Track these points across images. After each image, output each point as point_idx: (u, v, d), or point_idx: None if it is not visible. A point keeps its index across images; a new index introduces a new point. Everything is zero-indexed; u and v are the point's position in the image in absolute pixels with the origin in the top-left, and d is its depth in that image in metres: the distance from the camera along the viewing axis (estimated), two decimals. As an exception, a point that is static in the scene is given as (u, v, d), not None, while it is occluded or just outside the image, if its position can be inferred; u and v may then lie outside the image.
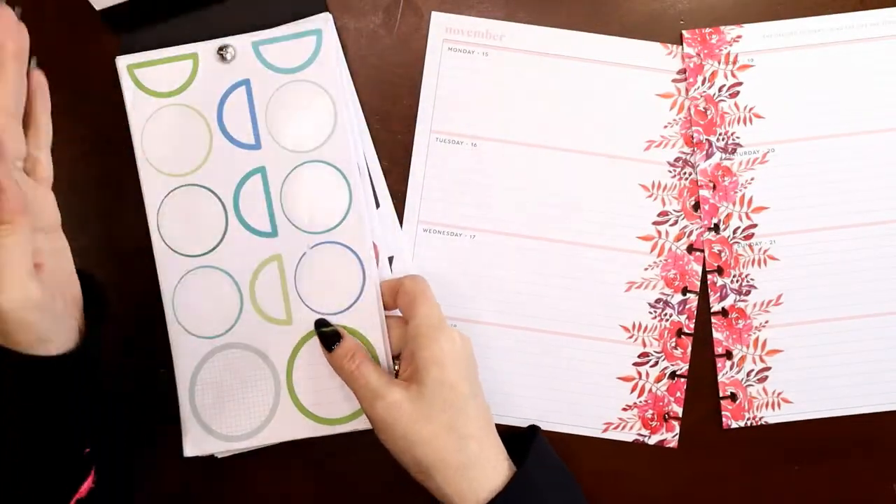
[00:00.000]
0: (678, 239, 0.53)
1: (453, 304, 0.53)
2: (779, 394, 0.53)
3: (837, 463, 0.53)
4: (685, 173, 0.53)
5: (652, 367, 0.53)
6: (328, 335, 0.49)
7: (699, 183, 0.53)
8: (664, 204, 0.53)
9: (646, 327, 0.53)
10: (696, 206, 0.53)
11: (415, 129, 0.53)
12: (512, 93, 0.53)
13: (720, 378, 0.53)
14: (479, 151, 0.53)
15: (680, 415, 0.53)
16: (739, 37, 0.53)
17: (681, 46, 0.53)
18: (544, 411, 0.53)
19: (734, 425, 0.53)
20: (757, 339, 0.53)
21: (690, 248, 0.53)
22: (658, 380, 0.53)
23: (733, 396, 0.53)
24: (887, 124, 0.53)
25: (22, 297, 0.37)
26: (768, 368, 0.53)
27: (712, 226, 0.53)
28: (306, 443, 0.51)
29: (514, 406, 0.53)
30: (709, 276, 0.53)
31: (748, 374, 0.53)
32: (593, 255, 0.53)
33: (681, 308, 0.53)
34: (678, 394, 0.53)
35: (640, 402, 0.53)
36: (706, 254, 0.53)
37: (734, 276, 0.53)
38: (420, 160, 0.53)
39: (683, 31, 0.53)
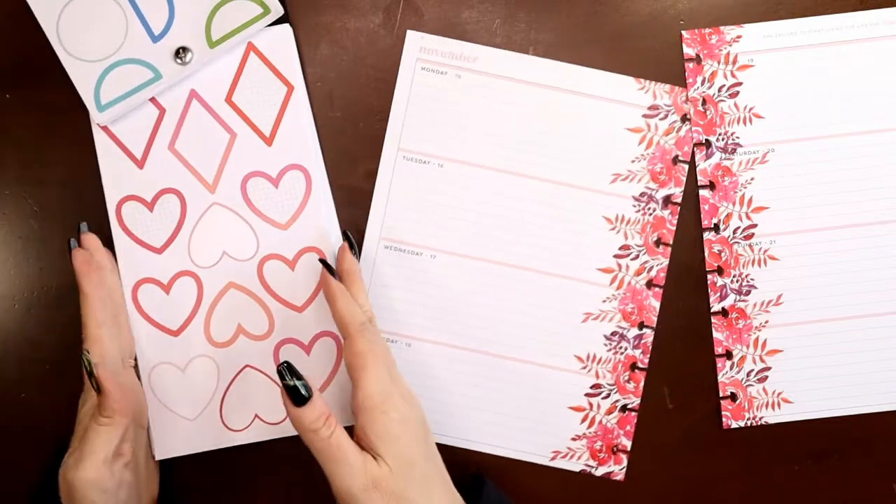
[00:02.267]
0: (638, 273, 0.53)
1: (408, 322, 0.53)
2: (779, 394, 0.53)
3: (837, 463, 0.53)
4: (650, 209, 0.53)
5: (604, 398, 0.53)
6: (294, 390, 0.42)
7: (699, 182, 0.53)
8: (626, 238, 0.53)
9: (600, 359, 0.53)
10: (658, 243, 0.53)
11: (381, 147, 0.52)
12: (482, 116, 0.52)
13: (720, 378, 0.53)
14: (445, 172, 0.53)
15: (629, 448, 0.53)
16: (739, 37, 0.53)
17: (653, 82, 0.53)
18: (493, 436, 0.53)
19: (734, 425, 0.53)
20: (757, 339, 0.53)
21: (650, 284, 0.53)
22: (609, 412, 0.53)
23: (733, 396, 0.53)
24: (887, 124, 0.53)
25: (94, 477, 0.44)
26: (768, 368, 0.53)
27: (712, 226, 0.53)
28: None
29: (463, 429, 0.53)
30: (709, 276, 0.53)
31: (748, 374, 0.53)
32: (552, 284, 0.53)
33: (636, 342, 0.53)
34: (628, 427, 0.53)
35: (590, 433, 0.53)
36: (706, 253, 0.53)
37: (734, 276, 0.53)
38: (386, 176, 0.53)
39: (683, 31, 0.53)
